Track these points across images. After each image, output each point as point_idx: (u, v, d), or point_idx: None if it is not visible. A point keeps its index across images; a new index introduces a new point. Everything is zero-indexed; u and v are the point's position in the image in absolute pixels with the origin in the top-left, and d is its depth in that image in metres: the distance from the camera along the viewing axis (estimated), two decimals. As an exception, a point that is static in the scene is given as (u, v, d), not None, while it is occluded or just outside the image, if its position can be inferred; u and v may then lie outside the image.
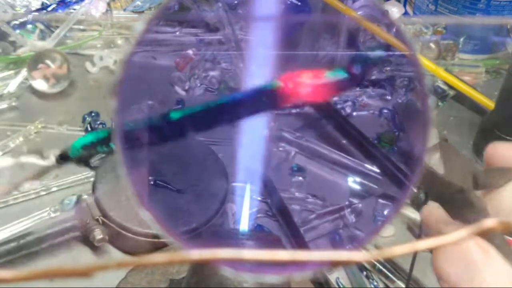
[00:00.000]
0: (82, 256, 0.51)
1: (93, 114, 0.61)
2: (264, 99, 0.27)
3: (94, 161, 0.57)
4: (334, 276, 0.50)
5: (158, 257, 0.17)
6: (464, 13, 0.71)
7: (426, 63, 0.65)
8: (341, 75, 0.26)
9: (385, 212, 0.52)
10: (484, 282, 0.22)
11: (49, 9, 0.73)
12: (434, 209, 0.27)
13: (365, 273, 0.51)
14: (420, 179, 0.22)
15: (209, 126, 0.28)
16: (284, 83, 0.26)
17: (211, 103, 0.27)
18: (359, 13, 0.61)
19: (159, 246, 0.49)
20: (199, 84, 0.64)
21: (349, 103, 0.63)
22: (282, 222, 0.52)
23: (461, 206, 0.25)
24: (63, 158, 0.38)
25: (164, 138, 0.28)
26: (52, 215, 0.52)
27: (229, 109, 0.28)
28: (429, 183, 0.25)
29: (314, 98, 0.27)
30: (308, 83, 0.26)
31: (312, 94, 0.26)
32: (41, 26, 0.71)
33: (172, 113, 0.27)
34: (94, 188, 0.51)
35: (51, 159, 0.29)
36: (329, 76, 0.26)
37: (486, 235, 0.23)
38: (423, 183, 0.24)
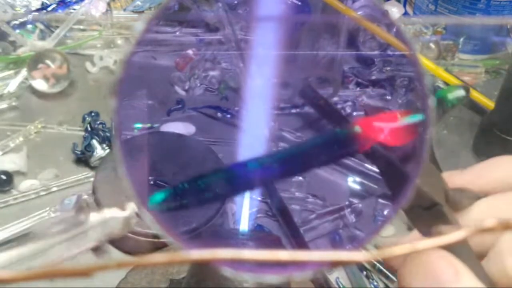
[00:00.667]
0: (82, 256, 0.51)
1: (93, 114, 0.61)
2: (340, 145, 0.27)
3: (94, 161, 0.57)
4: (334, 276, 0.50)
5: (158, 257, 0.17)
6: (464, 13, 0.71)
7: (426, 63, 0.65)
8: (419, 118, 0.26)
9: (385, 212, 0.52)
10: None
11: (49, 9, 0.73)
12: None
13: (365, 273, 0.51)
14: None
15: (285, 175, 0.28)
16: (361, 128, 0.26)
17: (288, 150, 0.27)
18: (359, 13, 0.61)
19: (159, 246, 0.49)
20: (199, 84, 0.64)
21: (349, 103, 0.63)
22: (282, 222, 0.52)
23: (434, 220, 0.24)
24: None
25: (239, 188, 0.28)
26: (52, 215, 0.52)
27: (305, 156, 0.27)
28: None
29: (392, 142, 0.26)
30: (385, 127, 0.26)
31: (389, 138, 0.26)
32: (41, 26, 0.71)
33: (250, 163, 0.26)
34: (94, 188, 0.51)
35: (131, 210, 0.30)
36: (408, 120, 0.26)
37: (453, 248, 0.22)
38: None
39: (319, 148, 0.27)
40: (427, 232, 0.25)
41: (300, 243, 0.50)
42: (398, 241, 0.27)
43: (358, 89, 0.64)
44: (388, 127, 0.26)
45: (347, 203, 0.53)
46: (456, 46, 0.72)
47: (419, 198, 0.23)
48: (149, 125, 0.58)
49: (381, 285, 0.50)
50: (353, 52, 0.67)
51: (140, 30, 0.23)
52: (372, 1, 0.62)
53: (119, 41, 0.72)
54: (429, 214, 0.25)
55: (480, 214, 0.26)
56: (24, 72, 0.65)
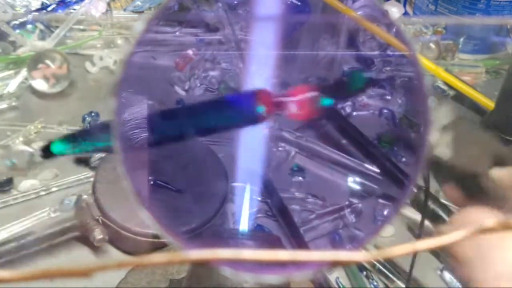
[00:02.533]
0: (82, 256, 0.51)
1: (93, 114, 0.61)
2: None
3: (94, 161, 0.57)
4: (334, 276, 0.50)
5: (158, 257, 0.17)
6: (464, 13, 0.71)
7: (426, 63, 0.65)
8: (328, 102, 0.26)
9: (385, 212, 0.52)
10: (499, 261, 0.22)
11: (49, 9, 0.73)
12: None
13: (365, 273, 0.51)
14: (425, 166, 0.22)
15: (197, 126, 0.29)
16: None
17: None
18: (359, 13, 0.61)
19: (159, 246, 0.49)
20: (199, 84, 0.64)
21: (349, 103, 0.63)
22: (282, 222, 0.52)
23: (475, 191, 0.24)
24: (45, 153, 0.39)
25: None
26: (52, 215, 0.52)
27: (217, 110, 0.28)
28: (435, 170, 0.24)
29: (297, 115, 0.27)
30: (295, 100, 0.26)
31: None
32: (41, 26, 0.71)
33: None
34: (94, 188, 0.51)
35: (38, 148, 0.31)
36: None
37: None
38: (429, 170, 0.24)
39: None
40: (474, 202, 0.24)
41: (300, 243, 0.50)
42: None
43: (358, 89, 0.64)
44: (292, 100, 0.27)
45: (347, 203, 0.53)
46: (456, 46, 0.72)
47: (452, 170, 0.23)
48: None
49: (381, 285, 0.50)
50: (353, 52, 0.67)
51: (140, 30, 0.23)
52: (372, 1, 0.62)
53: (119, 41, 0.72)
54: (469, 185, 0.24)
55: None
56: (24, 72, 0.65)
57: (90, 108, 0.62)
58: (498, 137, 0.25)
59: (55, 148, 0.36)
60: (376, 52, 0.66)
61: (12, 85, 0.65)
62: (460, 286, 0.50)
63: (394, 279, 0.50)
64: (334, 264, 0.25)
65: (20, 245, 0.48)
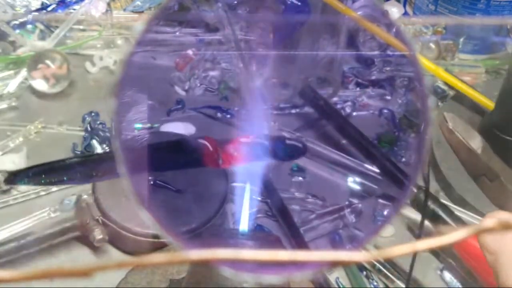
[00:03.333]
0: (82, 256, 0.51)
1: (93, 114, 0.61)
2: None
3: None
4: (334, 276, 0.50)
5: (158, 257, 0.17)
6: (464, 13, 0.71)
7: (426, 63, 0.65)
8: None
9: (385, 212, 0.52)
10: None
11: (49, 9, 0.73)
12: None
13: (365, 273, 0.51)
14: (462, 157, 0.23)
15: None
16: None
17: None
18: (359, 13, 0.61)
19: (159, 246, 0.49)
20: (199, 84, 0.64)
21: (349, 103, 0.63)
22: (282, 222, 0.52)
23: (496, 191, 0.25)
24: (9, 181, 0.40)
25: None
26: (52, 215, 0.52)
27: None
28: (470, 163, 0.25)
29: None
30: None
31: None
32: (41, 26, 0.71)
33: None
34: (94, 188, 0.51)
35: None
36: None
37: None
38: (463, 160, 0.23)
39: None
40: (494, 200, 0.25)
41: (300, 243, 0.50)
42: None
43: (358, 89, 0.64)
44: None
45: (347, 203, 0.53)
46: (456, 46, 0.72)
47: (481, 167, 0.24)
48: (149, 125, 0.58)
49: (381, 285, 0.50)
50: (353, 52, 0.67)
51: (140, 30, 0.23)
52: (372, 1, 0.62)
53: (119, 41, 0.72)
54: (492, 185, 0.25)
55: None
56: (24, 72, 0.65)
57: (90, 108, 0.62)
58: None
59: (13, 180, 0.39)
60: (376, 52, 0.67)
61: (12, 85, 0.65)
62: (460, 286, 0.50)
63: (394, 279, 0.50)
64: (334, 264, 0.25)
65: (20, 245, 0.48)
